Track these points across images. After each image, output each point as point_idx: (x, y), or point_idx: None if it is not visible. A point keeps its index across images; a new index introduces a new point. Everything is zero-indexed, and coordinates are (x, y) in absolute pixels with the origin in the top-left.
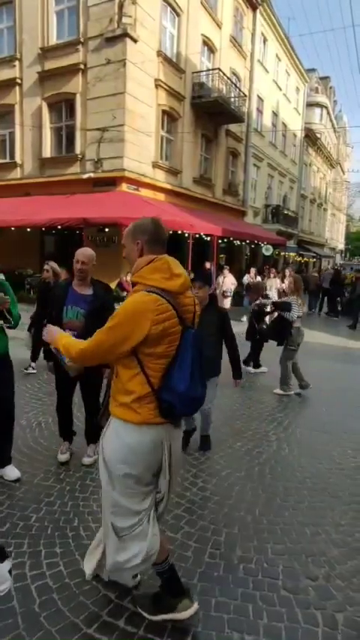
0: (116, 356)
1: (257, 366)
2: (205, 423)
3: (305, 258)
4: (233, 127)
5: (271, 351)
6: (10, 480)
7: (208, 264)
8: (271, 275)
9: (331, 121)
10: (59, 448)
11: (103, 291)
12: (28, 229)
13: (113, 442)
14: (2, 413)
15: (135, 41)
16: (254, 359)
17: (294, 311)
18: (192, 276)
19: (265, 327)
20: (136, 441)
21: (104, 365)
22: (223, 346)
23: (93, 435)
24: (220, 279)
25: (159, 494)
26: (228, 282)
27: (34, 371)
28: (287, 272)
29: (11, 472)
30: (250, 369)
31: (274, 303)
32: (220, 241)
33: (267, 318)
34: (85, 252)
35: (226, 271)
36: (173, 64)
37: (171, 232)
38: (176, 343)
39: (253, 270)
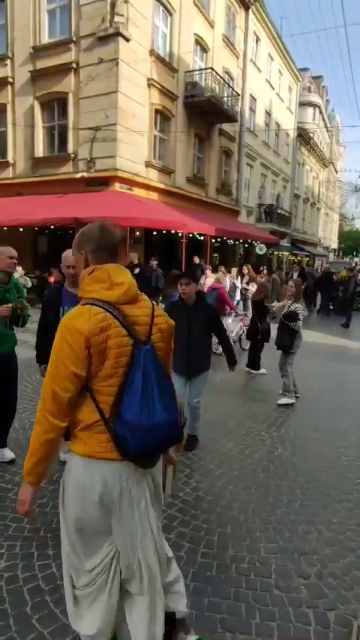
0: (82, 384)
1: (257, 367)
2: (192, 421)
3: (299, 257)
4: (226, 127)
5: (272, 352)
6: (5, 462)
7: (197, 259)
8: (220, 272)
9: (323, 120)
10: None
11: None
12: (21, 229)
13: (66, 479)
14: (6, 403)
15: (127, 40)
16: (254, 360)
17: (299, 320)
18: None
19: (267, 327)
20: (82, 478)
21: None
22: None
23: None
24: (202, 279)
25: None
26: (210, 283)
27: None
28: (245, 269)
29: (7, 453)
30: (251, 370)
31: (283, 315)
32: (213, 241)
33: (267, 317)
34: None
35: (208, 271)
36: (166, 63)
37: (164, 232)
38: (125, 359)
39: (234, 270)
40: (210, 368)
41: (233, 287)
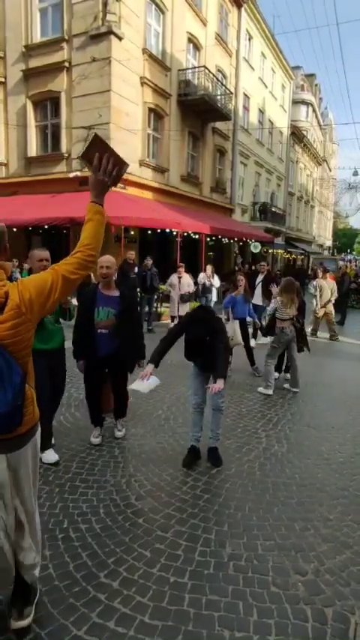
0: None
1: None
2: (214, 427)
3: (293, 255)
4: (220, 125)
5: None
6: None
7: (150, 260)
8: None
9: (317, 118)
10: (92, 433)
11: (128, 292)
12: (15, 229)
13: None
14: (55, 395)
15: (120, 39)
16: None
17: (270, 307)
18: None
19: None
20: None
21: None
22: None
23: (120, 412)
24: (175, 279)
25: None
26: (185, 283)
27: None
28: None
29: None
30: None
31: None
32: (208, 239)
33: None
34: (108, 258)
35: (181, 270)
36: (159, 61)
37: (159, 231)
38: None
39: (209, 268)
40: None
41: (208, 287)
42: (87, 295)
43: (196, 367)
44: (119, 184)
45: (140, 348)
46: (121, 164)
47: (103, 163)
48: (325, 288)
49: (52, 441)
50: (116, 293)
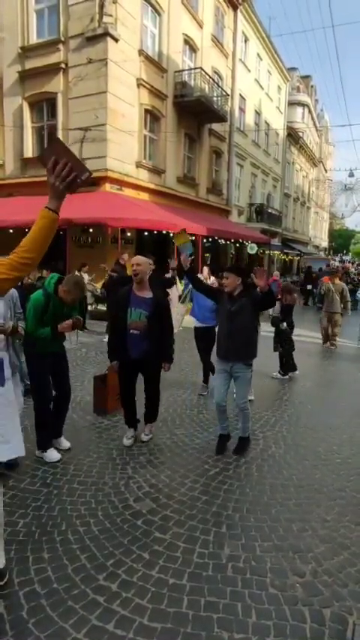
0: None
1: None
2: (243, 422)
3: (290, 256)
4: (216, 127)
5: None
6: (64, 449)
7: (125, 256)
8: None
9: (312, 119)
10: (126, 434)
11: (161, 294)
12: (11, 230)
13: None
14: (62, 394)
15: (116, 40)
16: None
17: None
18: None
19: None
20: None
21: (164, 358)
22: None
23: (150, 416)
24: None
25: None
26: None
27: None
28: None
29: (64, 442)
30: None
31: None
32: (205, 240)
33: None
34: (139, 258)
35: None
36: (155, 63)
37: (155, 232)
38: None
39: (206, 270)
40: (252, 364)
41: None
42: (121, 297)
43: (219, 362)
44: (115, 186)
45: (167, 350)
46: (80, 171)
47: (58, 168)
48: (332, 291)
49: (68, 445)
50: (149, 295)
